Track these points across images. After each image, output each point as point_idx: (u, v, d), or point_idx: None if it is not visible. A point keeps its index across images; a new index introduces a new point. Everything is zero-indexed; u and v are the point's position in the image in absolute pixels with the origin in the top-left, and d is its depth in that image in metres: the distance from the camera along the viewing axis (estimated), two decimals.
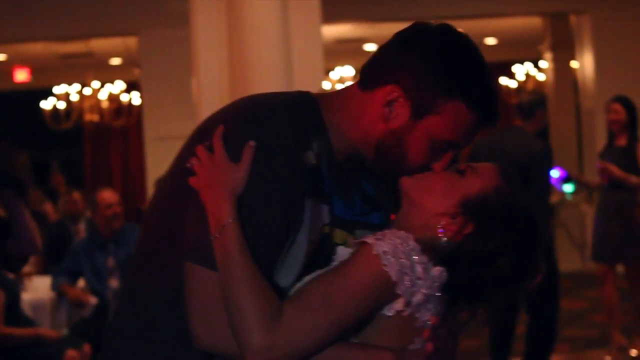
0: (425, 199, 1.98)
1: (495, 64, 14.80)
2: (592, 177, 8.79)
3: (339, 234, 2.02)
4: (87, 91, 14.25)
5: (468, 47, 2.00)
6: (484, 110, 1.99)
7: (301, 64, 6.82)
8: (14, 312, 6.07)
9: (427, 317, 1.90)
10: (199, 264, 1.88)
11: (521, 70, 15.45)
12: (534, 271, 2.04)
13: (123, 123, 14.87)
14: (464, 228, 1.93)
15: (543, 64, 14.54)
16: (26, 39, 12.11)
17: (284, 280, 1.93)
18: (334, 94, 2.10)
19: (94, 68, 14.30)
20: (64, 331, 7.06)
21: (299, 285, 1.92)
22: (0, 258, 3.99)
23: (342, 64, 14.70)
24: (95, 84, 14.20)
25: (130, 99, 14.53)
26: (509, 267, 1.95)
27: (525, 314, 6.75)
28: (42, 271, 8.51)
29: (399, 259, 1.84)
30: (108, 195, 7.34)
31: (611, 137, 7.81)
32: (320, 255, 1.98)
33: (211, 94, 6.75)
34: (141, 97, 12.46)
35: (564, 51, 13.47)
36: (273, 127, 1.95)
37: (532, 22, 13.87)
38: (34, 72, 15.16)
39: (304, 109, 2.02)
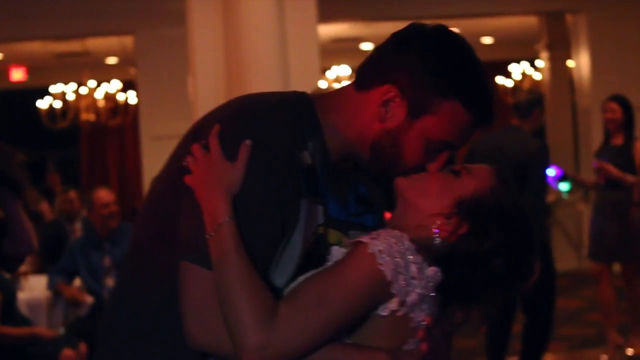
0: (420, 199, 1.98)
1: (491, 63, 14.82)
2: (589, 176, 8.80)
3: (333, 235, 2.02)
4: (83, 90, 14.25)
5: (464, 47, 2.01)
6: (480, 111, 1.99)
7: (297, 63, 6.82)
8: (10, 312, 6.07)
9: (421, 317, 1.90)
10: (194, 263, 1.88)
11: (517, 70, 15.47)
12: (529, 272, 2.04)
13: (119, 122, 14.87)
14: (458, 228, 1.93)
15: (539, 63, 14.56)
16: (22, 38, 12.11)
17: (278, 280, 1.93)
18: (329, 94, 2.10)
19: (90, 67, 14.29)
20: (60, 330, 7.06)
21: (293, 285, 1.92)
22: None
23: (339, 63, 14.71)
24: (92, 83, 14.20)
25: (127, 98, 14.53)
26: (504, 268, 1.95)
27: (522, 313, 6.75)
28: (38, 270, 8.49)
29: (394, 258, 1.84)
30: (104, 195, 7.34)
31: (607, 136, 7.82)
32: (314, 255, 1.98)
33: (207, 93, 6.75)
34: (137, 96, 12.45)
35: (560, 50, 13.47)
36: (269, 126, 1.95)
37: (529, 21, 13.88)
38: (30, 71, 15.15)
39: (299, 109, 2.02)
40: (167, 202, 2.02)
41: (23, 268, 7.26)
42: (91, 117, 14.42)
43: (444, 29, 2.02)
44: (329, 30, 12.99)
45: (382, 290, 1.84)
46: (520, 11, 12.88)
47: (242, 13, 6.62)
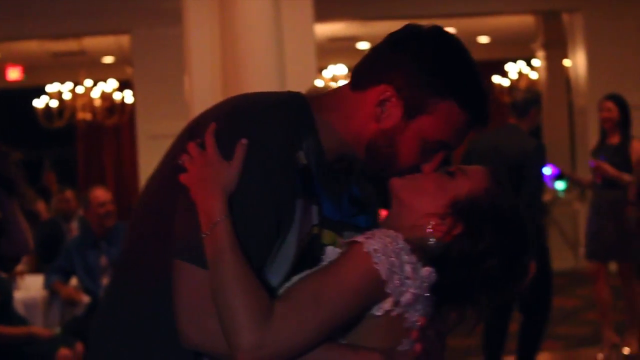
0: (415, 199, 1.99)
1: (488, 63, 14.83)
2: (585, 175, 8.80)
3: (327, 235, 2.03)
4: (79, 89, 14.23)
5: (459, 48, 2.02)
6: (475, 111, 2.00)
7: (294, 63, 6.82)
8: (7, 311, 6.07)
9: (415, 317, 1.90)
10: (189, 262, 1.88)
11: (514, 69, 15.46)
12: (523, 273, 2.04)
13: (116, 121, 14.86)
14: (453, 229, 1.94)
15: (536, 62, 14.56)
16: (19, 37, 12.10)
17: (273, 280, 1.93)
18: (325, 95, 2.11)
19: (87, 66, 14.27)
20: (57, 330, 7.06)
21: (287, 284, 1.91)
22: None
23: (335, 63, 14.71)
24: (88, 82, 14.18)
25: (123, 98, 14.51)
26: (498, 269, 1.96)
27: (518, 313, 6.76)
28: (34, 270, 8.50)
29: (389, 257, 1.84)
30: (100, 194, 7.34)
31: (604, 135, 7.82)
32: (309, 255, 1.98)
33: (204, 93, 6.74)
34: (134, 95, 12.45)
35: (556, 49, 13.49)
36: (265, 125, 1.95)
37: (525, 21, 13.89)
38: (26, 70, 15.13)
39: (295, 109, 2.02)
40: (162, 201, 2.01)
41: (19, 267, 7.25)
42: (87, 116, 14.41)
43: (440, 30, 2.03)
44: (326, 29, 12.99)
45: (377, 290, 1.84)
46: (517, 10, 12.89)
47: (238, 12, 6.61)
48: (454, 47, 2.01)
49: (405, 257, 1.86)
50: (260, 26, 6.63)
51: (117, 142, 17.31)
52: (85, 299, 7.21)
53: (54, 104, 14.18)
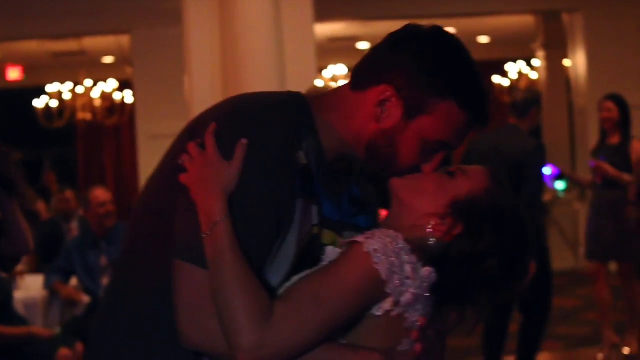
0: (415, 199, 1.99)
1: (488, 63, 14.83)
2: (585, 175, 8.80)
3: (327, 235, 2.03)
4: (79, 89, 14.23)
5: (459, 48, 2.02)
6: (475, 111, 2.00)
7: (294, 63, 6.82)
8: (7, 311, 6.07)
9: (415, 317, 1.90)
10: (189, 262, 1.87)
11: (514, 69, 15.47)
12: (523, 273, 2.04)
13: (115, 121, 14.85)
14: (453, 229, 1.94)
15: (536, 62, 14.56)
16: (19, 37, 12.10)
17: (273, 280, 1.93)
18: (325, 95, 2.11)
19: (87, 66, 14.27)
20: (57, 330, 7.06)
21: (287, 284, 1.91)
22: None
23: (335, 63, 14.71)
24: (88, 82, 14.18)
25: (123, 98, 14.51)
26: (498, 269, 1.96)
27: (518, 313, 6.75)
28: (34, 270, 8.50)
29: (389, 257, 1.84)
30: (100, 194, 7.34)
31: (604, 135, 7.82)
32: (308, 255, 1.98)
33: (204, 93, 6.74)
34: (134, 95, 12.45)
35: (556, 49, 13.49)
36: (266, 125, 1.95)
37: (525, 21, 13.89)
38: (26, 70, 15.13)
39: (295, 109, 2.02)
40: (162, 201, 2.01)
41: (19, 267, 7.26)
42: (87, 116, 14.41)
43: (440, 30, 2.03)
44: (326, 29, 12.99)
45: (377, 290, 1.84)
46: (517, 10, 12.89)
47: (238, 12, 6.61)
48: (454, 47, 2.02)
49: (405, 257, 1.86)
50: (260, 26, 6.63)
51: (117, 142, 17.31)
52: (85, 299, 7.21)
53: (54, 104, 14.18)
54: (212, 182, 1.88)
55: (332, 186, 2.05)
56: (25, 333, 6.09)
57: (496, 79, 15.42)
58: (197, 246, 1.86)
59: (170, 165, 2.01)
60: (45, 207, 10.85)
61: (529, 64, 15.24)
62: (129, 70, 13.19)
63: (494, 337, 6.65)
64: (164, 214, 1.97)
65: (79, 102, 14.24)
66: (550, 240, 9.86)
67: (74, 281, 7.43)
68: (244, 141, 1.91)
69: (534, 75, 15.02)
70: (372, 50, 2.06)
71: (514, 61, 15.51)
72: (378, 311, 1.87)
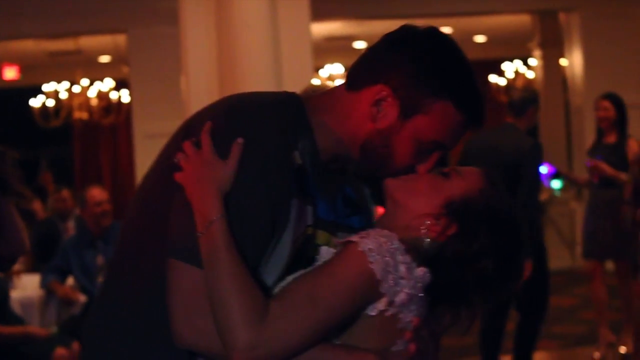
0: (410, 200, 1.99)
1: (484, 62, 14.85)
2: (581, 174, 8.81)
3: (321, 236, 2.03)
4: (76, 89, 14.22)
5: (455, 49, 2.03)
6: (471, 111, 2.01)
7: (290, 62, 6.81)
8: (3, 311, 6.06)
9: (409, 318, 1.90)
10: (184, 261, 1.87)
11: (510, 68, 15.47)
12: (518, 273, 2.04)
13: (112, 121, 14.84)
14: (447, 229, 1.94)
15: (532, 61, 14.56)
16: (15, 37, 12.08)
17: (267, 279, 1.93)
18: (320, 95, 2.11)
19: (83, 66, 14.27)
20: (53, 329, 7.05)
21: (282, 284, 1.91)
22: None
23: (332, 62, 14.72)
24: (85, 81, 14.17)
25: (120, 97, 14.50)
26: (492, 269, 1.96)
27: (515, 312, 6.75)
28: (31, 269, 8.49)
29: (384, 257, 1.84)
30: (97, 193, 7.34)
31: (600, 134, 7.82)
32: (303, 256, 1.98)
33: (200, 92, 6.74)
34: (130, 94, 12.43)
35: (553, 49, 13.49)
36: (262, 125, 1.95)
37: (522, 20, 13.89)
38: (23, 69, 15.12)
39: (291, 109, 2.02)
40: (157, 200, 2.01)
41: (16, 267, 7.24)
42: (84, 115, 14.40)
43: (436, 31, 2.04)
44: (322, 28, 12.99)
45: (371, 289, 1.84)
46: (513, 10, 12.89)
47: (234, 11, 6.61)
48: (450, 47, 2.02)
49: (400, 257, 1.86)
50: (256, 25, 6.63)
51: (114, 141, 17.30)
52: (82, 298, 7.21)
53: (51, 103, 14.17)
54: (207, 181, 1.88)
55: (326, 186, 2.06)
56: (21, 332, 6.08)
57: (493, 78, 15.42)
58: (192, 245, 1.86)
59: (166, 164, 2.01)
60: (41, 207, 10.86)
61: (525, 63, 15.25)
62: (125, 70, 13.17)
63: (490, 336, 6.65)
64: (159, 213, 1.97)
65: (76, 102, 14.23)
66: (547, 239, 9.85)
67: (70, 280, 7.42)
68: (240, 140, 1.91)
69: (530, 75, 15.03)
70: (368, 50, 2.06)
71: (511, 60, 15.52)
72: (372, 311, 1.87)
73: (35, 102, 14.28)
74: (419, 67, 1.97)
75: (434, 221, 1.94)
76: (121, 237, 2.11)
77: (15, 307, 6.81)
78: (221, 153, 1.91)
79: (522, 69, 15.33)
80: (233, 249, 1.83)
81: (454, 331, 2.04)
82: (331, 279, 1.84)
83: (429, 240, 1.94)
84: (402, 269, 1.86)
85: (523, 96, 6.70)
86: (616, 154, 7.58)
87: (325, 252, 1.97)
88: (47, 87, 14.27)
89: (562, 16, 12.47)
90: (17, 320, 6.30)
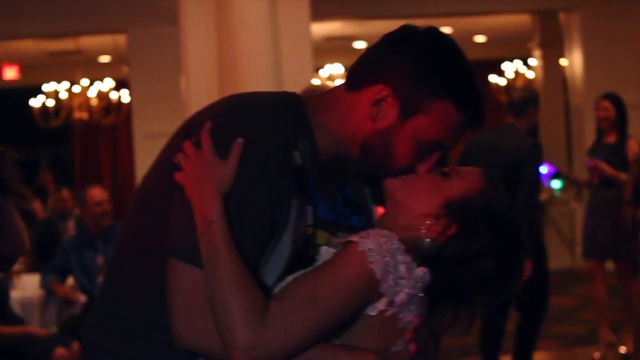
0: (410, 200, 1.99)
1: (484, 62, 14.84)
2: (581, 174, 8.81)
3: (321, 236, 2.03)
4: (76, 89, 14.21)
5: (455, 49, 2.03)
6: (471, 111, 2.01)
7: (290, 62, 6.81)
8: (3, 311, 6.06)
9: (409, 318, 1.90)
10: (184, 261, 1.87)
11: (510, 68, 15.47)
12: (517, 274, 2.04)
13: (112, 121, 14.83)
14: (447, 229, 1.94)
15: (532, 61, 14.56)
16: (15, 37, 12.08)
17: (267, 279, 1.93)
18: (320, 95, 2.11)
19: (83, 66, 14.27)
20: (54, 329, 7.05)
21: (282, 284, 1.91)
22: None
23: (332, 62, 14.71)
24: (85, 81, 14.17)
25: (120, 97, 14.50)
26: (492, 269, 1.96)
27: (515, 312, 6.75)
28: (31, 269, 8.49)
29: (384, 257, 1.84)
30: (97, 193, 7.34)
31: (600, 134, 7.82)
32: (303, 256, 1.98)
33: (200, 92, 6.74)
34: (130, 94, 12.42)
35: (553, 49, 13.49)
36: (262, 125, 1.95)
37: (522, 20, 13.89)
38: (23, 69, 15.12)
39: (291, 109, 2.03)
40: (157, 199, 2.01)
41: (16, 267, 7.24)
42: (84, 115, 14.39)
43: (435, 31, 2.04)
44: (322, 28, 12.99)
45: (371, 289, 1.84)
46: (513, 10, 12.89)
47: (234, 11, 6.61)
48: (450, 47, 2.03)
49: (400, 257, 1.86)
50: (256, 25, 6.63)
51: (114, 141, 17.30)
52: (82, 298, 7.20)
53: (51, 103, 14.16)
54: (207, 181, 1.88)
55: (326, 186, 2.06)
56: (21, 332, 6.08)
57: (493, 78, 15.42)
58: (192, 245, 1.86)
59: (166, 164, 2.01)
60: (41, 207, 10.85)
61: (525, 63, 15.25)
62: (125, 70, 13.17)
63: (491, 336, 6.65)
64: (158, 213, 1.97)
65: (76, 102, 14.22)
66: (547, 239, 9.86)
67: (70, 280, 7.42)
68: (240, 140, 1.91)
69: (530, 75, 15.02)
70: (368, 50, 2.06)
71: (511, 60, 15.52)
72: (372, 311, 1.87)
73: (35, 102, 14.27)
74: (419, 67, 1.97)
75: (434, 221, 1.94)
76: (121, 237, 2.11)
77: (15, 307, 6.81)
78: (221, 153, 1.91)
79: (522, 69, 15.33)
80: (233, 249, 1.83)
81: (454, 331, 2.04)
82: (331, 279, 1.84)
83: (429, 240, 1.94)
84: (402, 269, 1.86)
85: (523, 96, 6.70)
86: (616, 154, 7.58)
87: (325, 252, 1.97)
88: (47, 87, 14.27)
89: (562, 16, 12.47)
90: (17, 320, 6.30)
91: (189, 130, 2.01)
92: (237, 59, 6.58)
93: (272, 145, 1.93)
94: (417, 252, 1.90)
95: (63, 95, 14.19)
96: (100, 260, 7.13)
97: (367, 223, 2.13)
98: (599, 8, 11.91)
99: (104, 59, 15.39)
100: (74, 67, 14.18)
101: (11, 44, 13.32)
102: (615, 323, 7.93)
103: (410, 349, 1.91)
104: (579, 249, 9.56)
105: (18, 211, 4.05)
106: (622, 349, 7.68)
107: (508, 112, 6.69)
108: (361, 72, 2.04)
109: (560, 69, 13.59)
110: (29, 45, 13.50)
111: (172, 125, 2.14)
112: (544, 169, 7.49)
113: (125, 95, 14.29)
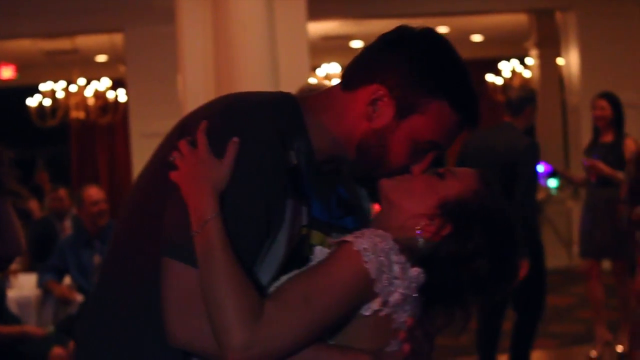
0: (404, 200, 1.99)
1: (481, 61, 14.86)
2: (578, 173, 8.81)
3: (316, 236, 2.03)
4: (72, 88, 14.21)
5: (450, 50, 2.04)
6: (467, 111, 2.02)
7: (287, 61, 6.82)
8: (0, 310, 6.05)
9: (403, 318, 1.90)
10: (178, 260, 1.87)
11: (507, 67, 15.48)
12: (512, 274, 2.04)
13: (109, 120, 14.83)
14: (442, 229, 1.94)
15: (529, 60, 14.58)
16: (12, 36, 12.08)
17: (262, 279, 1.92)
18: (316, 95, 2.12)
19: (80, 65, 14.26)
20: (50, 329, 7.04)
21: (276, 284, 1.91)
22: None
23: (329, 61, 14.71)
24: (81, 81, 14.17)
25: (116, 96, 14.50)
26: (487, 270, 1.96)
27: (512, 311, 6.76)
28: (27, 268, 8.48)
29: (379, 257, 1.84)
30: (94, 192, 7.33)
31: (597, 133, 7.83)
32: (297, 256, 1.98)
33: (197, 91, 6.74)
34: (127, 94, 12.43)
35: (549, 48, 13.50)
36: (257, 124, 1.95)
37: (518, 19, 13.90)
38: (19, 69, 15.12)
39: (286, 109, 2.03)
40: (152, 198, 2.01)
41: (13, 266, 7.25)
42: (81, 115, 14.39)
43: (431, 31, 2.05)
44: (319, 28, 12.99)
45: (366, 289, 1.84)
46: (510, 9, 12.90)
47: (231, 10, 6.61)
48: (445, 48, 2.03)
49: (394, 257, 1.86)
50: (253, 25, 6.63)
51: (111, 140, 17.30)
52: (79, 297, 7.20)
53: (47, 102, 14.16)
54: (203, 180, 1.88)
55: (321, 187, 2.06)
56: (18, 332, 6.08)
57: (489, 77, 15.44)
58: (187, 244, 1.86)
59: (161, 162, 2.00)
60: (38, 206, 10.85)
61: (522, 63, 15.27)
62: (122, 69, 13.17)
63: (487, 336, 6.65)
64: (153, 212, 1.97)
65: (72, 101, 14.22)
66: (544, 238, 9.86)
67: (67, 280, 7.42)
68: (235, 140, 1.91)
69: (527, 74, 15.04)
70: (364, 50, 2.07)
71: (508, 60, 15.53)
72: (366, 311, 1.87)
73: (32, 102, 14.27)
74: (414, 67, 1.98)
75: (428, 221, 1.94)
76: (115, 236, 2.10)
77: (12, 307, 6.80)
78: (217, 152, 1.91)
79: (519, 68, 15.35)
80: (228, 248, 1.83)
81: (448, 331, 2.04)
82: (326, 279, 1.83)
83: (423, 240, 1.94)
84: (396, 269, 1.86)
85: (520, 95, 6.69)
86: (613, 153, 7.58)
87: (320, 252, 1.96)
88: (43, 86, 14.26)
89: (558, 15, 12.48)
90: (14, 320, 6.30)
91: (185, 129, 2.01)
92: (233, 58, 6.59)
93: (267, 145, 1.92)
94: (411, 252, 1.90)
95: (60, 95, 14.19)
96: (97, 259, 7.13)
97: (361, 223, 2.13)
98: (596, 7, 11.92)
99: (101, 58, 15.39)
100: (70, 67, 14.17)
101: (8, 43, 13.32)
102: (612, 322, 7.94)
103: (404, 349, 1.90)
104: (575, 248, 9.57)
105: (15, 211, 4.05)
106: (619, 348, 7.69)
107: (505, 111, 6.68)
108: (357, 71, 2.04)
109: (557, 68, 13.60)
110: (26, 45, 13.50)
111: (169, 124, 2.14)
112: (540, 168, 7.49)
113: (122, 95, 14.29)
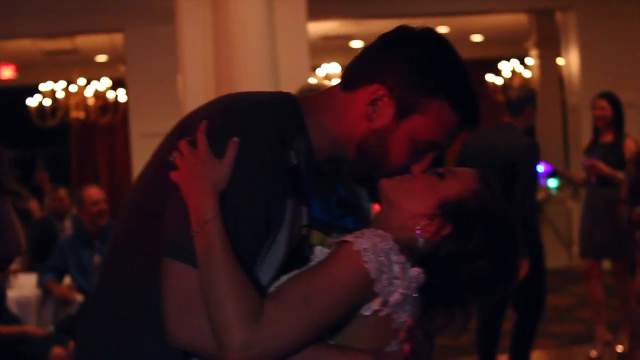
0: (404, 200, 1.99)
1: (481, 61, 14.86)
2: (578, 173, 8.81)
3: (316, 236, 2.03)
4: (73, 88, 14.21)
5: (450, 50, 2.04)
6: (467, 111, 2.02)
7: (287, 61, 6.82)
8: (0, 310, 6.05)
9: (403, 318, 1.90)
10: (178, 260, 1.87)
11: (507, 67, 15.48)
12: (512, 274, 2.04)
13: (109, 120, 14.83)
14: (441, 229, 1.94)
15: (529, 60, 14.57)
16: (12, 36, 12.08)
17: (262, 279, 1.92)
18: (316, 95, 2.12)
19: (80, 65, 14.26)
20: (50, 329, 7.04)
21: (276, 284, 1.91)
22: None
23: (329, 61, 14.71)
24: (81, 81, 14.17)
25: (116, 96, 14.50)
26: (487, 270, 1.96)
27: (512, 311, 6.75)
28: (27, 268, 8.48)
29: (379, 256, 1.84)
30: (94, 192, 7.33)
31: (597, 133, 7.83)
32: (297, 256, 1.98)
33: (197, 91, 6.74)
34: (127, 94, 12.43)
35: (549, 48, 13.50)
36: (258, 124, 1.95)
37: (518, 19, 13.90)
38: (19, 69, 15.11)
39: (286, 109, 2.03)
40: (152, 198, 2.01)
41: (13, 266, 7.24)
42: (81, 115, 14.40)
43: (431, 32, 2.05)
44: (319, 28, 12.99)
45: (366, 289, 1.84)
46: (510, 9, 12.90)
47: (231, 10, 6.61)
48: (445, 48, 2.03)
49: (394, 257, 1.86)
50: (253, 25, 6.63)
51: (111, 140, 17.30)
52: (79, 297, 7.20)
53: (47, 102, 14.16)
54: (203, 180, 1.88)
55: (321, 187, 2.06)
56: (18, 332, 6.08)
57: (490, 77, 15.43)
58: (187, 244, 1.86)
59: (161, 162, 2.00)
60: (38, 206, 10.85)
61: (522, 63, 15.27)
62: (122, 69, 13.17)
63: (487, 336, 6.65)
64: (153, 212, 1.97)
65: (72, 101, 14.22)
66: (544, 238, 9.86)
67: (67, 280, 7.42)
68: (235, 140, 1.90)
69: (527, 74, 15.04)
70: (364, 50, 2.07)
71: (508, 60, 15.53)
72: (366, 311, 1.87)
73: (32, 102, 14.27)
74: (414, 67, 1.98)
75: (428, 221, 1.94)
76: (115, 236, 2.10)
77: (12, 307, 6.80)
78: (217, 152, 1.91)
79: (519, 68, 15.35)
80: (228, 248, 1.83)
81: (448, 331, 2.04)
82: (326, 279, 1.83)
83: (423, 240, 1.94)
84: (396, 269, 1.86)
85: (521, 95, 6.69)
86: (613, 153, 7.58)
87: (319, 252, 1.96)
88: (43, 86, 14.26)
89: (558, 15, 12.48)
90: (14, 320, 6.30)
91: (185, 129, 2.01)
92: (233, 58, 6.59)
93: (267, 145, 1.92)
94: (411, 252, 1.90)
95: (60, 95, 14.19)
96: (97, 259, 7.13)
97: (361, 223, 2.13)
98: (596, 7, 11.92)
99: (101, 58, 15.39)
100: (70, 67, 14.17)
101: (8, 44, 13.32)
102: (612, 322, 7.94)
103: (404, 349, 1.90)
104: (575, 248, 9.57)
105: (15, 211, 4.04)
106: (619, 348, 7.69)
107: (506, 111, 6.68)
108: (357, 71, 2.04)
109: (557, 68, 13.60)
110: (26, 45, 13.50)
111: (169, 124, 2.14)
112: (540, 168, 7.49)
113: (122, 95, 14.29)
